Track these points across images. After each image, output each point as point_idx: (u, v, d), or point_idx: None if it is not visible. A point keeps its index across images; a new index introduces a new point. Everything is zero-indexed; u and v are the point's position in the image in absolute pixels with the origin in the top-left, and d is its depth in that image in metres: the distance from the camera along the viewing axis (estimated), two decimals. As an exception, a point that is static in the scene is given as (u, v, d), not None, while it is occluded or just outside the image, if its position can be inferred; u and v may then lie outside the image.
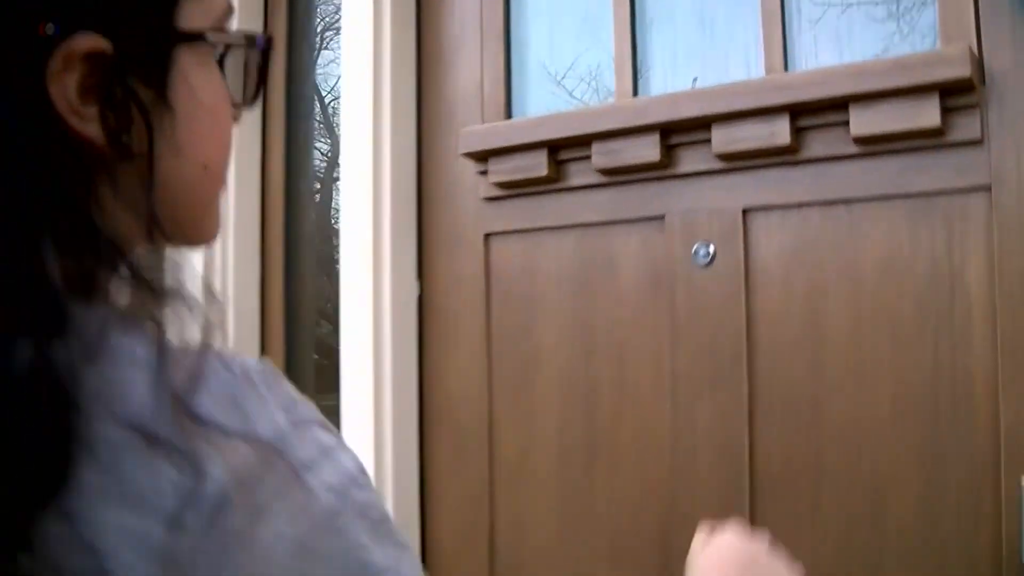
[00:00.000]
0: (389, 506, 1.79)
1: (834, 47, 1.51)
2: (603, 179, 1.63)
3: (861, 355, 1.43)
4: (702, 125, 1.50)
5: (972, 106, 1.34)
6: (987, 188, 1.34)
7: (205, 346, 0.50)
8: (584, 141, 1.60)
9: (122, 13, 0.51)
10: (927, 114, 1.33)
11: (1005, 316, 1.33)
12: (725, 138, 1.48)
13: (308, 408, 0.53)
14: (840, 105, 1.39)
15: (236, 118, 0.62)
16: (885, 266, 1.42)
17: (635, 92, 1.66)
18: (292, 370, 2.10)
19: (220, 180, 0.60)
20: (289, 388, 0.53)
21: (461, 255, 1.82)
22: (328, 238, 2.26)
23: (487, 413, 1.78)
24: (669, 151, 1.56)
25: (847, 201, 1.45)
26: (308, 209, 2.11)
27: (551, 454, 1.71)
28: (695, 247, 1.55)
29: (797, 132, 1.45)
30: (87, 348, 0.46)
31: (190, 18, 0.55)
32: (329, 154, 2.44)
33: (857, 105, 1.37)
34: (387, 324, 1.80)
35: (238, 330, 2.09)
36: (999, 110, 1.34)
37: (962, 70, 1.28)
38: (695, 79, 1.60)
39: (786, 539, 1.48)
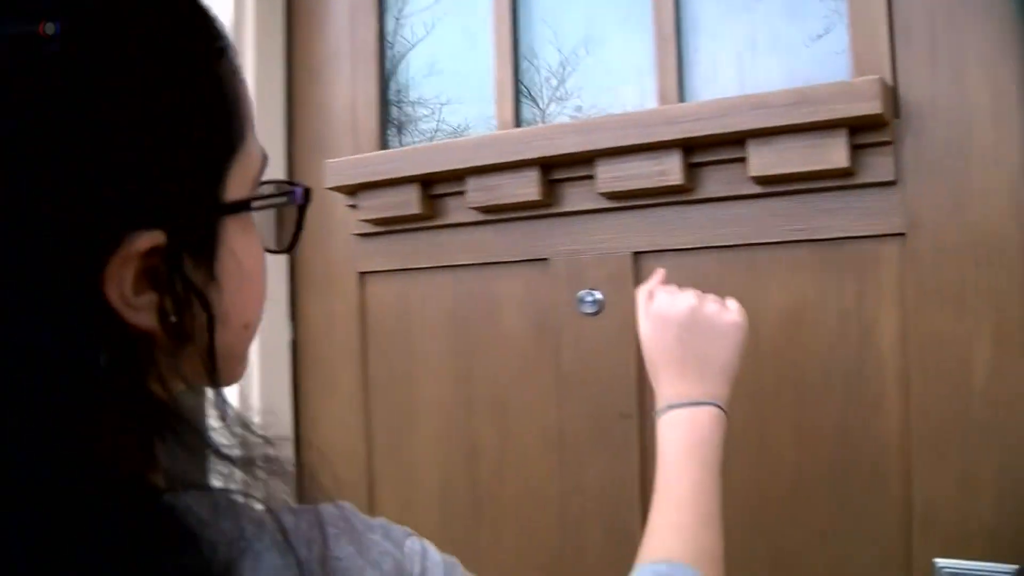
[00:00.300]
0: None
1: (735, 76, 1.27)
2: (481, 217, 1.37)
3: (761, 418, 1.20)
4: (585, 160, 1.25)
5: (884, 143, 1.09)
6: (901, 234, 1.11)
7: (316, 513, 0.52)
8: (458, 176, 1.34)
9: (175, 203, 0.47)
10: (834, 152, 1.09)
11: (919, 378, 1.10)
12: (610, 175, 1.22)
13: (390, 525, 0.58)
14: (738, 141, 1.15)
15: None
16: (788, 318, 1.19)
17: (517, 123, 1.41)
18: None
19: (255, 331, 0.58)
20: (365, 517, 0.56)
21: (334, 295, 1.55)
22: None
23: (366, 469, 1.52)
24: (551, 187, 1.30)
25: (747, 246, 1.21)
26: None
27: (433, 515, 1.46)
28: (580, 294, 1.31)
29: (690, 169, 1.20)
30: (226, 553, 0.45)
31: (233, 187, 0.52)
32: None
33: (756, 141, 1.13)
34: (255, 371, 1.53)
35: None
36: (916, 148, 1.11)
37: (872, 104, 1.04)
38: (579, 108, 1.36)
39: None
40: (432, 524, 1.45)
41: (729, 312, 0.97)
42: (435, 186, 1.38)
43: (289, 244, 0.61)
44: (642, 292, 1.02)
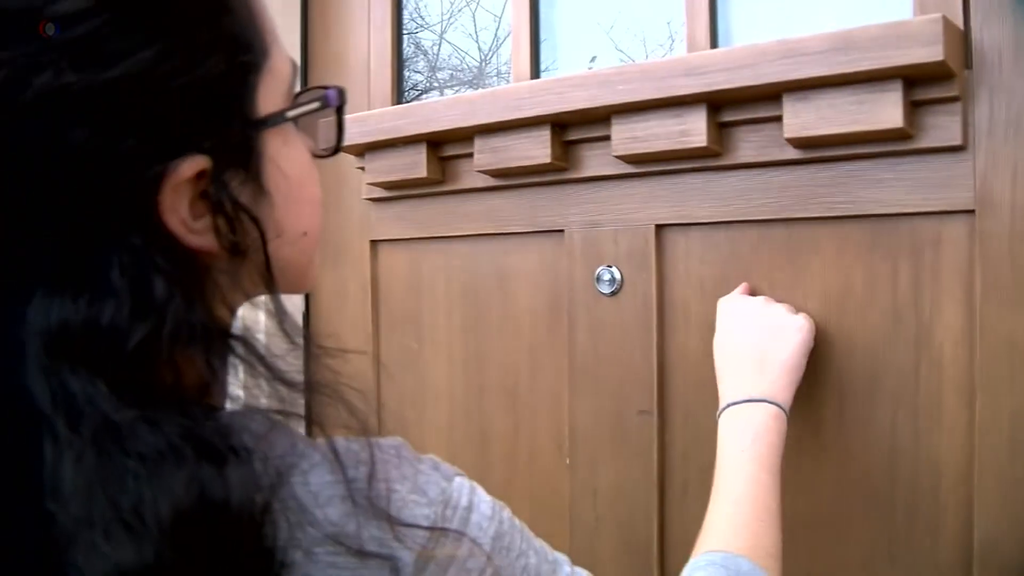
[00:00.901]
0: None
1: (779, 20, 1.07)
2: (493, 182, 1.21)
3: (797, 422, 1.01)
4: (600, 118, 1.07)
5: (950, 99, 0.89)
6: (969, 212, 0.90)
7: (367, 440, 0.53)
8: (466, 135, 1.18)
9: (212, 127, 0.49)
10: (886, 110, 0.88)
11: (986, 386, 0.89)
12: (627, 135, 1.04)
13: (440, 462, 0.58)
14: (772, 96, 0.95)
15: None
16: (830, 309, 0.99)
17: (536, 75, 1.24)
18: None
19: (319, 237, 0.59)
20: (422, 455, 0.57)
21: (347, 264, 1.43)
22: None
23: (375, 452, 1.40)
24: (565, 149, 1.13)
25: (783, 221, 1.01)
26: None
27: (442, 507, 1.33)
28: (598, 271, 1.14)
29: (718, 129, 1.01)
30: (278, 465, 0.48)
31: (265, 101, 0.53)
32: None
33: (792, 96, 0.93)
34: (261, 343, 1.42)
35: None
36: (990, 106, 0.89)
37: (933, 50, 0.83)
38: (593, 59, 1.18)
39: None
40: (440, 517, 1.32)
41: (796, 315, 0.96)
42: (444, 147, 1.23)
43: (335, 148, 0.62)
44: (722, 302, 1.01)
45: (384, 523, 0.50)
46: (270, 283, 0.54)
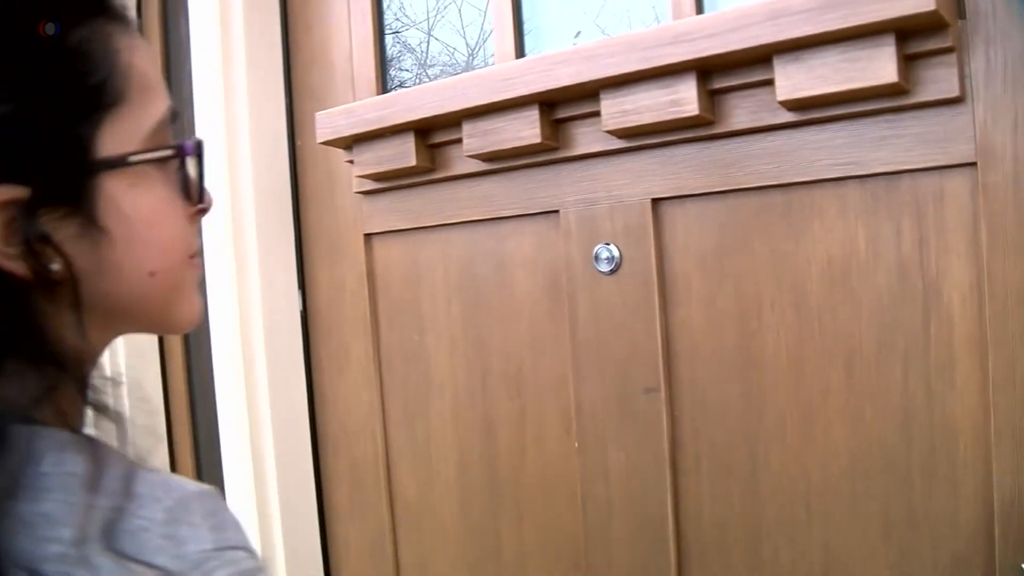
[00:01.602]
0: (283, 557, 1.42)
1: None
2: (484, 166, 1.19)
3: (807, 389, 0.99)
4: (588, 94, 1.05)
5: (945, 50, 0.86)
6: (971, 164, 0.87)
7: (139, 469, 0.51)
8: (454, 120, 1.15)
9: (37, 160, 0.51)
10: (880, 65, 0.86)
11: (999, 340, 0.87)
12: (616, 109, 1.02)
13: (238, 533, 0.53)
14: (762, 59, 0.93)
15: (202, 211, 0.61)
16: (835, 273, 0.97)
17: (520, 54, 1.21)
18: (197, 380, 1.74)
19: (173, 278, 0.59)
20: (224, 515, 0.52)
21: (342, 260, 1.40)
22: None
23: (383, 447, 1.37)
24: (555, 128, 1.11)
25: (782, 186, 0.99)
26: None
27: (452, 495, 1.30)
28: (596, 250, 1.12)
29: (709, 97, 0.99)
30: (11, 478, 0.48)
31: (111, 144, 0.53)
32: None
33: (782, 58, 0.91)
34: (259, 347, 1.40)
35: (134, 350, 1.72)
36: (987, 55, 0.86)
37: (926, 1, 0.81)
38: (578, 34, 1.15)
39: (721, 624, 1.09)
40: (452, 509, 1.30)
41: None
42: (432, 134, 1.20)
43: (197, 198, 0.60)
44: None
45: (113, 555, 0.47)
46: (78, 318, 0.54)
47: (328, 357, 1.44)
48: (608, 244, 1.10)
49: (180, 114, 0.60)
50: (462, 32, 1.37)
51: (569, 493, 1.18)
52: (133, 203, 0.55)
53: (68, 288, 0.53)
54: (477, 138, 1.13)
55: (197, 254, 0.62)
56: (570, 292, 1.14)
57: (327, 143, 1.28)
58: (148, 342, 1.72)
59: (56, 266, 0.53)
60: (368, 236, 1.35)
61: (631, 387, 1.10)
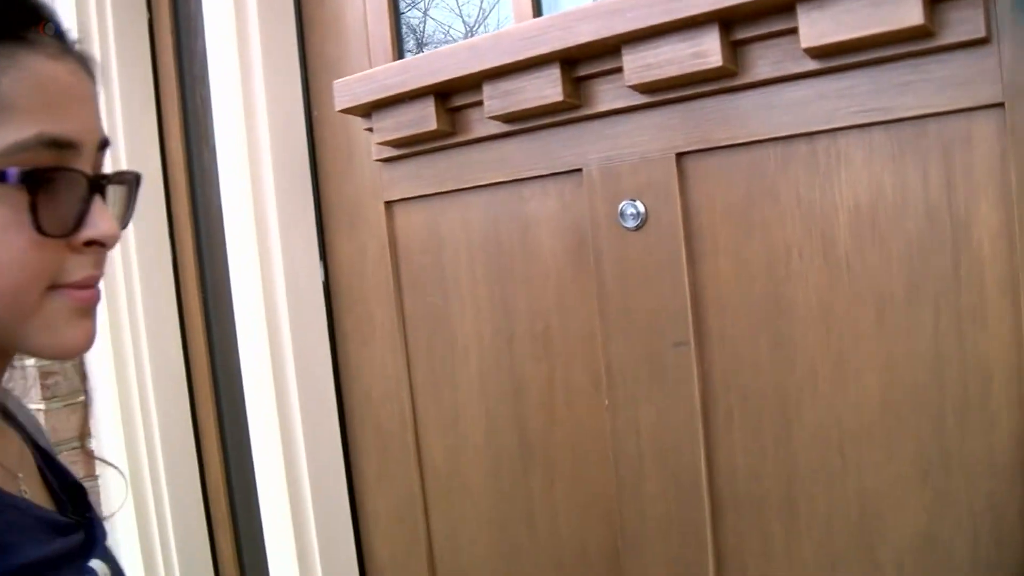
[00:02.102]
0: (313, 528, 1.45)
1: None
2: (505, 128, 1.20)
3: (838, 336, 1.01)
4: (610, 50, 1.06)
5: (970, -10, 0.88)
6: (998, 105, 0.89)
7: None
8: (474, 82, 1.17)
9: None
10: (904, 8, 0.87)
11: (1031, 280, 0.89)
12: (639, 64, 1.03)
13: None
14: (785, 7, 0.94)
15: (90, 243, 0.61)
16: (863, 219, 0.98)
17: (537, 13, 1.22)
18: (216, 334, 1.77)
19: (13, 305, 0.59)
20: None
21: (362, 229, 1.42)
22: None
23: (411, 414, 1.40)
24: (576, 86, 1.12)
25: (807, 135, 1.00)
26: (214, 178, 1.72)
27: (481, 460, 1.33)
28: (621, 206, 1.13)
29: (732, 48, 1.00)
30: None
31: None
32: None
33: (806, 5, 0.92)
34: (284, 320, 1.42)
35: (152, 312, 1.75)
36: (1010, -8, 0.88)
37: (949, -61, 0.82)
38: (599, -12, 1.16)
39: (759, 573, 1.12)
40: (481, 472, 1.33)
41: None
42: (452, 98, 1.22)
43: (57, 229, 0.59)
44: None
45: None
46: None
47: (352, 326, 1.46)
48: (633, 200, 1.11)
49: (75, 146, 0.59)
50: (458, 11, 1.39)
51: (600, 451, 1.20)
52: None
53: None
54: (498, 99, 1.14)
55: (79, 284, 0.61)
56: (596, 250, 1.16)
57: (346, 111, 1.29)
58: (167, 319, 1.75)
59: None
60: (389, 204, 1.37)
61: (660, 342, 1.12)
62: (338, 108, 1.29)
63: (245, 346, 1.46)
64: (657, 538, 1.16)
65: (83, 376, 0.95)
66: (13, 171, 0.57)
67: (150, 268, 1.74)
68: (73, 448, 1.72)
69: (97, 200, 0.62)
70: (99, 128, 0.64)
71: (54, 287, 0.61)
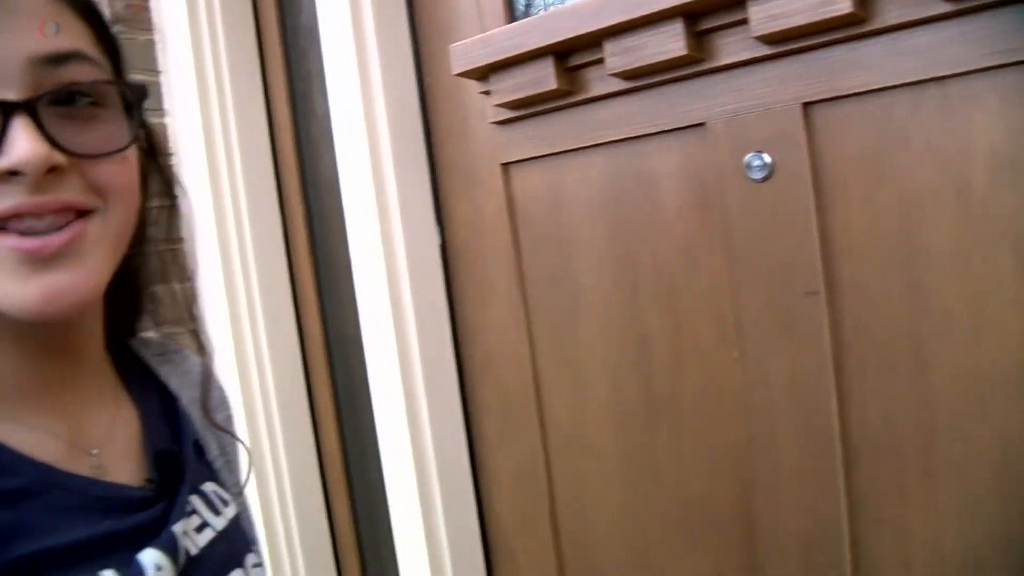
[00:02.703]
0: (437, 490, 1.53)
1: None
2: (626, 85, 1.24)
3: (975, 281, 1.04)
4: (734, 2, 1.10)
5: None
6: None
7: None
8: (594, 40, 1.21)
9: None
10: (1044, -55, 0.90)
11: None
12: (765, 14, 1.07)
13: None
14: (918, -52, 0.97)
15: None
16: (1000, 160, 1.00)
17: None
18: (329, 305, 1.85)
19: None
20: None
21: (479, 192, 1.48)
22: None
23: (531, 373, 1.46)
24: (700, 40, 1.16)
25: (939, 79, 1.03)
26: (324, 153, 1.79)
27: (606, 416, 1.39)
28: (746, 159, 1.17)
29: (863, -6, 1.03)
30: None
31: None
32: None
33: (940, -54, 0.95)
34: (404, 280, 1.49)
35: (266, 284, 1.83)
36: None
37: None
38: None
39: (893, 521, 1.15)
40: (606, 429, 1.38)
41: None
42: (571, 56, 1.27)
43: None
44: None
45: None
46: None
47: (471, 289, 1.52)
48: (759, 152, 1.15)
49: None
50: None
51: (729, 403, 1.24)
52: None
53: None
54: (620, 56, 1.19)
55: (5, 215, 0.57)
56: (721, 203, 1.20)
57: (462, 74, 1.35)
58: (280, 289, 1.83)
59: None
60: (505, 165, 1.43)
61: (790, 292, 1.16)
62: (455, 72, 1.35)
63: (366, 312, 1.53)
64: (789, 488, 1.20)
65: (202, 348, 0.83)
66: None
67: (262, 240, 1.83)
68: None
69: (17, 125, 0.57)
70: (28, 42, 0.58)
71: None
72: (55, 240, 0.58)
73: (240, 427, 1.80)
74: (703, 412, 1.28)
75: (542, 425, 1.47)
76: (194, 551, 0.68)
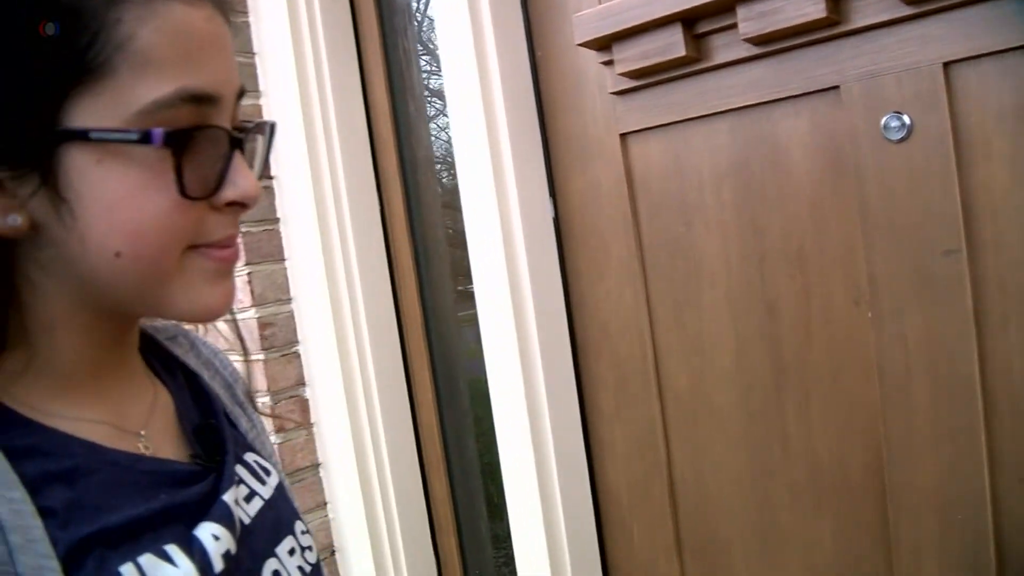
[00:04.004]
0: (553, 462, 1.59)
1: None
2: (756, 50, 1.30)
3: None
4: (878, -38, 1.16)
5: None
6: None
7: None
8: (725, 6, 1.27)
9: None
10: None
11: None
12: (911, -25, 1.13)
13: None
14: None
15: (231, 204, 0.64)
16: None
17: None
18: (427, 284, 1.92)
19: (150, 265, 0.61)
20: None
21: (596, 163, 1.54)
22: (448, 157, 2.03)
23: (650, 342, 1.52)
24: (836, 3, 1.22)
25: (1089, 34, 1.09)
26: (421, 131, 1.86)
27: (730, 382, 1.44)
28: (884, 119, 1.22)
29: (1011, -49, 1.09)
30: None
31: (84, 116, 0.56)
32: (435, 70, 2.17)
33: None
34: (521, 254, 1.55)
35: (365, 263, 1.90)
36: None
37: None
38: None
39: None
40: (730, 395, 1.44)
41: None
42: (698, 23, 1.32)
43: (199, 191, 0.61)
44: None
45: None
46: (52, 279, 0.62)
47: (585, 261, 1.58)
48: (899, 113, 1.20)
49: (215, 100, 0.61)
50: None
51: (861, 365, 1.30)
52: (98, 180, 0.58)
53: (34, 245, 0.60)
54: (754, 21, 1.25)
55: (215, 244, 0.64)
56: (857, 164, 1.26)
57: (584, 44, 1.41)
58: (379, 271, 1.90)
59: (14, 221, 0.58)
60: (624, 135, 1.49)
61: (928, 251, 1.21)
62: (577, 42, 1.41)
63: (481, 288, 1.59)
64: (925, 448, 1.25)
65: (240, 336, 0.88)
66: (158, 132, 0.58)
67: (360, 218, 1.89)
68: (291, 397, 1.90)
69: (237, 157, 0.63)
70: (236, 77, 0.64)
71: (192, 247, 0.63)
72: (237, 252, 0.67)
73: (339, 403, 1.87)
74: (834, 374, 1.33)
75: (660, 395, 1.52)
76: (247, 520, 0.72)
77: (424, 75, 1.91)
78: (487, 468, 1.93)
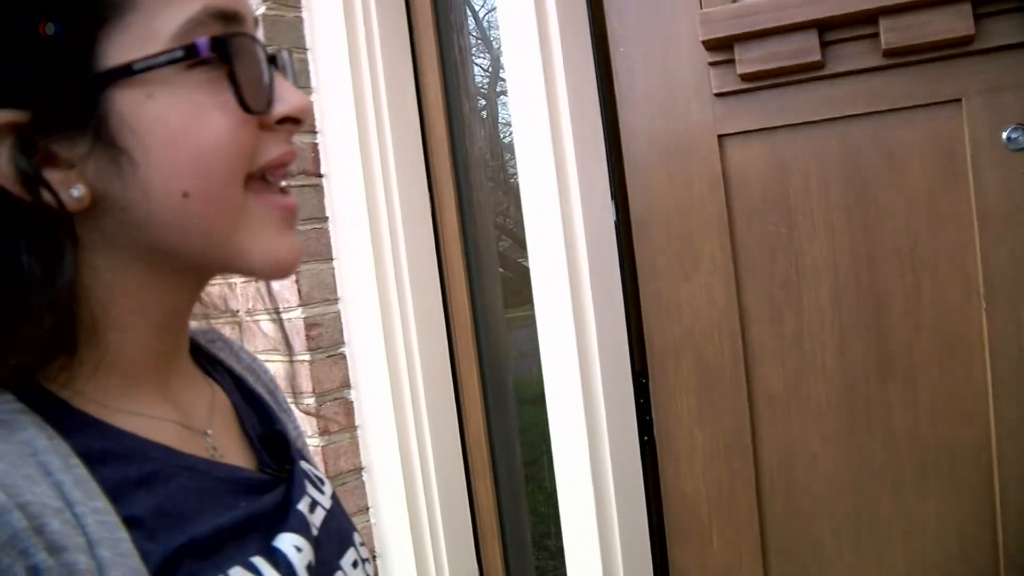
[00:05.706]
0: (609, 471, 1.68)
1: None
2: (882, 61, 1.44)
3: None
4: (1028, -15, 1.32)
5: None
6: None
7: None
8: (869, 17, 1.41)
9: (33, 81, 0.55)
10: None
11: None
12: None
13: None
14: None
15: (284, 120, 0.63)
16: None
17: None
18: (477, 286, 1.97)
19: (219, 203, 0.60)
20: None
21: (688, 164, 1.64)
22: (501, 156, 2.09)
23: (741, 345, 1.62)
24: (978, 22, 1.37)
25: None
26: (474, 127, 1.91)
27: (830, 378, 1.56)
28: (1006, 132, 1.38)
29: None
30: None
31: (118, 53, 0.56)
32: (490, 69, 2.24)
33: None
34: (583, 257, 1.64)
35: (415, 264, 1.93)
36: None
37: None
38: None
39: None
40: (830, 392, 1.56)
41: None
42: (831, 31, 1.45)
43: (256, 104, 0.61)
44: None
45: None
46: (113, 243, 0.60)
47: (669, 263, 1.67)
48: (1021, 126, 1.36)
49: (240, 18, 0.61)
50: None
51: (972, 353, 1.44)
52: (153, 117, 0.57)
53: (97, 219, 0.58)
54: (897, 32, 1.38)
55: (276, 164, 0.63)
56: (976, 171, 1.41)
57: (707, 42, 1.51)
58: (429, 269, 1.93)
59: (77, 192, 0.57)
60: (722, 137, 1.59)
61: (1047, 251, 1.37)
62: (703, 38, 1.51)
63: (541, 291, 1.67)
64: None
65: (285, 336, 0.91)
66: (203, 41, 0.57)
67: (411, 217, 1.92)
68: (335, 399, 1.89)
69: (276, 74, 0.63)
70: (251, 4, 0.64)
71: (251, 178, 0.62)
72: (296, 203, 0.67)
73: (385, 406, 1.88)
74: (942, 362, 1.47)
75: (750, 395, 1.62)
76: (315, 532, 0.72)
77: (478, 72, 1.96)
78: (533, 474, 1.98)
